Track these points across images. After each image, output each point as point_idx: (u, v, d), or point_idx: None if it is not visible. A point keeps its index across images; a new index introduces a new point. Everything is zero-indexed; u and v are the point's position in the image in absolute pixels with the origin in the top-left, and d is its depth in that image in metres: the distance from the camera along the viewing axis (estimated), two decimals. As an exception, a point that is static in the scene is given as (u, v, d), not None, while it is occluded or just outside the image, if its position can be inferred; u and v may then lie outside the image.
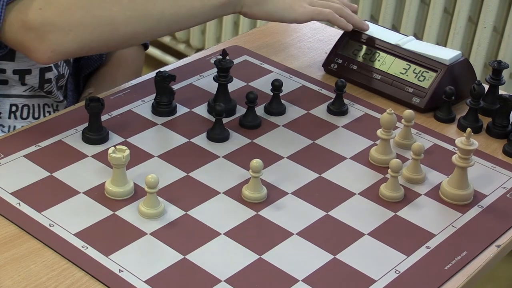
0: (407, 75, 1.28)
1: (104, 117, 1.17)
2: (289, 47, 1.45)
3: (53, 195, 1.03)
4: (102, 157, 1.10)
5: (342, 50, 1.35)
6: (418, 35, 2.32)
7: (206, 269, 0.93)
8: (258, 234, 0.99)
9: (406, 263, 0.96)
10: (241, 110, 1.22)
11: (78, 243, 0.95)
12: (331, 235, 1.00)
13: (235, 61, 1.35)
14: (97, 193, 1.04)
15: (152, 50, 2.92)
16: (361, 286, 0.92)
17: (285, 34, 1.50)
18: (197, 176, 1.08)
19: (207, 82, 1.30)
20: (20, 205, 1.01)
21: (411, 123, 1.16)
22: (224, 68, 1.20)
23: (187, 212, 1.02)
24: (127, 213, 1.01)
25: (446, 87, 1.23)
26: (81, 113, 1.17)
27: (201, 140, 1.16)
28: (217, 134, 1.16)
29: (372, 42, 1.33)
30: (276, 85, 1.22)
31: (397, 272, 0.94)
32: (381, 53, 1.32)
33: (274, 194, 1.06)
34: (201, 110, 1.23)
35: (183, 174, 1.09)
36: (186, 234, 0.98)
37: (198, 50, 2.79)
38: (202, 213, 1.02)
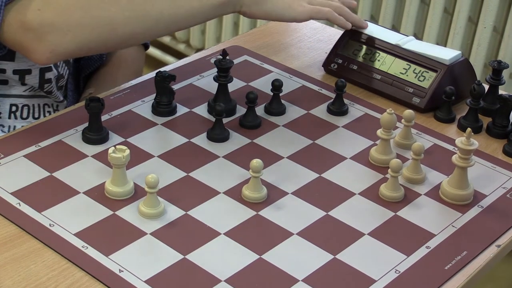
0: (407, 75, 1.28)
1: (104, 117, 1.17)
2: (289, 47, 1.45)
3: (53, 195, 1.03)
4: (102, 157, 1.10)
5: (342, 50, 1.35)
6: (418, 35, 2.32)
7: (206, 269, 0.93)
8: (258, 234, 0.99)
9: (406, 263, 0.96)
10: (241, 110, 1.22)
11: (78, 243, 0.95)
12: (331, 235, 1.00)
13: (235, 61, 1.35)
14: (97, 193, 1.04)
15: (152, 50, 2.92)
16: (361, 286, 0.92)
17: (285, 34, 1.50)
18: (197, 176, 1.08)
19: (207, 82, 1.30)
20: (20, 205, 1.01)
21: (411, 123, 1.16)
22: (224, 68, 1.20)
23: (187, 212, 1.02)
24: (127, 213, 1.01)
25: (446, 87, 1.23)
26: (81, 113, 1.17)
27: (201, 140, 1.16)
28: (217, 134, 1.16)
29: (372, 42, 1.33)
30: (276, 85, 1.22)
31: (397, 272, 0.94)
32: (381, 53, 1.32)
33: (274, 194, 1.06)
34: (201, 110, 1.23)
35: (183, 174, 1.09)
36: (186, 234, 0.98)
37: (198, 50, 2.79)
38: (202, 213, 1.02)
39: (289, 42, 1.47)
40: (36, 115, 1.33)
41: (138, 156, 1.11)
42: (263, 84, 1.30)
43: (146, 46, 1.52)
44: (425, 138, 1.20)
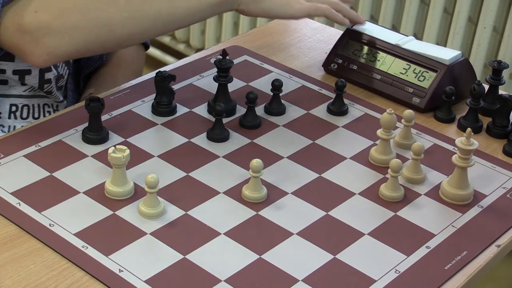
0: (407, 75, 1.28)
1: (104, 117, 1.17)
2: (289, 47, 1.45)
3: (53, 195, 1.03)
4: (102, 157, 1.10)
5: (342, 50, 1.35)
6: (418, 35, 2.32)
7: (206, 269, 0.93)
8: (258, 234, 0.99)
9: (406, 263, 0.96)
10: (241, 110, 1.22)
11: (78, 243, 0.95)
12: (331, 235, 1.00)
13: (235, 61, 1.35)
14: (97, 193, 1.04)
15: (152, 50, 2.92)
16: (361, 286, 0.92)
17: (285, 34, 1.50)
18: (197, 176, 1.08)
19: (207, 82, 1.30)
20: (20, 205, 1.01)
21: (411, 123, 1.16)
22: (224, 68, 1.20)
23: (187, 212, 1.02)
24: (127, 213, 1.01)
25: (446, 87, 1.23)
26: (81, 113, 1.17)
27: (201, 140, 1.16)
28: (217, 134, 1.16)
29: (372, 42, 1.33)
30: (276, 85, 1.22)
31: (397, 272, 0.94)
32: (381, 53, 1.32)
33: (274, 194, 1.06)
34: (201, 110, 1.23)
35: (183, 174, 1.09)
36: (186, 234, 0.98)
37: (198, 50, 2.79)
38: (202, 213, 1.02)
39: (289, 42, 1.47)
40: (36, 115, 1.33)
41: (138, 156, 1.11)
42: (263, 84, 1.30)
43: (146, 46, 1.52)
44: (425, 138, 1.20)
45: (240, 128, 1.19)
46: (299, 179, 1.09)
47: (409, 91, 1.27)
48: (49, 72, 1.30)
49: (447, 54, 1.28)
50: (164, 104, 1.21)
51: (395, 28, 2.35)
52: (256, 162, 1.02)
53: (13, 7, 1.09)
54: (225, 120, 1.18)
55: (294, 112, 1.24)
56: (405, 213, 1.04)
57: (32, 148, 1.11)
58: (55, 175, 1.06)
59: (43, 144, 1.12)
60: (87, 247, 0.95)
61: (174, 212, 1.01)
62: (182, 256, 0.94)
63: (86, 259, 0.93)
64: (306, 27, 1.52)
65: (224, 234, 0.98)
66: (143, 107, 1.23)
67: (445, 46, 2.22)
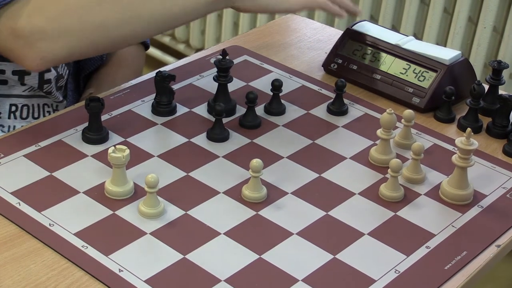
0: (407, 75, 1.28)
1: (104, 117, 1.17)
2: (289, 47, 1.45)
3: (53, 194, 1.03)
4: (102, 157, 1.10)
5: (342, 50, 1.35)
6: (418, 35, 2.32)
7: (206, 268, 0.93)
8: (258, 234, 0.99)
9: (406, 263, 0.96)
10: (241, 110, 1.22)
11: (78, 243, 0.95)
12: (331, 235, 1.00)
13: (235, 61, 1.35)
14: (97, 193, 1.04)
15: (152, 50, 2.92)
16: (361, 286, 0.92)
17: (285, 34, 1.50)
18: (197, 176, 1.08)
19: (207, 82, 1.30)
20: (20, 205, 1.01)
21: (411, 123, 1.16)
22: (224, 68, 1.20)
23: (187, 212, 1.02)
24: (127, 213, 1.01)
25: (446, 87, 1.23)
26: (81, 113, 1.17)
27: (201, 140, 1.16)
28: (217, 134, 1.16)
29: (372, 42, 1.33)
30: (276, 85, 1.22)
31: (397, 272, 0.94)
32: (381, 53, 1.32)
33: (274, 194, 1.06)
34: (201, 110, 1.23)
35: (183, 174, 1.09)
36: (186, 234, 0.98)
37: (198, 50, 2.79)
38: (202, 212, 1.02)
39: (289, 42, 1.47)
40: (36, 115, 1.33)
41: (138, 156, 1.11)
42: (263, 84, 1.30)
43: (146, 46, 1.52)
44: (425, 138, 1.20)
45: (240, 128, 1.19)
46: (299, 179, 1.09)
47: (409, 91, 1.27)
48: (49, 73, 1.30)
49: (447, 54, 1.28)
50: (164, 104, 1.21)
51: (395, 28, 2.35)
52: (256, 162, 1.02)
53: (7, 11, 1.09)
54: (225, 120, 1.18)
55: (294, 112, 1.24)
56: (405, 213, 1.04)
57: (32, 148, 1.11)
58: (55, 175, 1.06)
59: (43, 144, 1.12)
60: (87, 247, 0.95)
61: (174, 212, 1.01)
62: (182, 256, 0.94)
63: (86, 258, 0.93)
64: (306, 27, 1.52)
65: (224, 234, 0.98)
66: (143, 107, 1.23)
67: (445, 46, 2.22)
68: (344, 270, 0.94)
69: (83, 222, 0.98)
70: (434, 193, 1.08)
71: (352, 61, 1.33)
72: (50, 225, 0.98)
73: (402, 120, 1.16)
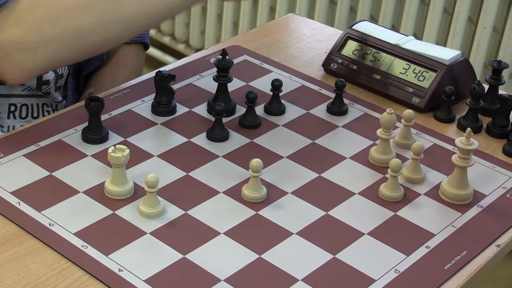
0: (407, 75, 1.28)
1: (104, 117, 1.17)
2: (289, 47, 1.45)
3: (52, 194, 1.03)
4: (101, 156, 1.10)
5: (342, 50, 1.35)
6: (418, 35, 2.33)
7: (206, 268, 0.93)
8: (258, 233, 0.99)
9: (405, 262, 0.96)
10: (241, 110, 1.22)
11: (78, 243, 0.95)
12: (330, 234, 1.00)
13: (235, 61, 1.35)
14: (97, 193, 1.04)
15: (152, 50, 2.92)
16: (360, 286, 0.92)
17: (285, 34, 1.50)
18: (196, 176, 1.08)
19: (207, 82, 1.30)
20: (20, 205, 1.01)
21: (411, 123, 1.16)
22: (224, 68, 1.20)
23: (187, 212, 1.02)
24: (126, 213, 1.01)
25: (446, 87, 1.23)
26: (81, 113, 1.17)
27: (201, 140, 1.16)
28: (217, 134, 1.16)
29: (372, 42, 1.33)
30: (276, 85, 1.22)
31: (397, 271, 0.94)
32: (381, 53, 1.32)
33: (274, 193, 1.06)
34: (201, 109, 1.23)
35: (183, 173, 1.09)
36: (186, 234, 0.98)
37: (197, 50, 2.79)
38: (202, 212, 1.02)
39: (289, 42, 1.47)
40: (35, 114, 1.33)
41: (138, 156, 1.11)
42: (263, 84, 1.30)
43: (146, 46, 1.52)
44: (425, 138, 1.20)
45: (240, 128, 1.19)
46: (299, 179, 1.09)
47: (409, 91, 1.27)
48: (47, 74, 1.29)
49: (447, 54, 1.28)
50: (164, 104, 1.21)
51: (395, 28, 2.35)
52: (256, 161, 1.02)
53: None
54: (225, 120, 1.18)
55: (294, 112, 1.24)
56: (405, 213, 1.04)
57: (32, 148, 1.11)
58: (55, 175, 1.06)
59: (43, 143, 1.12)
60: (87, 247, 0.95)
61: (173, 212, 1.01)
62: (181, 256, 0.94)
63: (86, 258, 0.93)
64: (306, 27, 1.52)
65: (224, 233, 0.98)
66: (143, 106, 1.23)
67: (445, 46, 2.22)
68: (344, 270, 0.94)
69: (83, 221, 0.98)
70: (434, 193, 1.08)
71: (352, 61, 1.33)
72: (50, 224, 0.98)
73: (402, 120, 1.16)
